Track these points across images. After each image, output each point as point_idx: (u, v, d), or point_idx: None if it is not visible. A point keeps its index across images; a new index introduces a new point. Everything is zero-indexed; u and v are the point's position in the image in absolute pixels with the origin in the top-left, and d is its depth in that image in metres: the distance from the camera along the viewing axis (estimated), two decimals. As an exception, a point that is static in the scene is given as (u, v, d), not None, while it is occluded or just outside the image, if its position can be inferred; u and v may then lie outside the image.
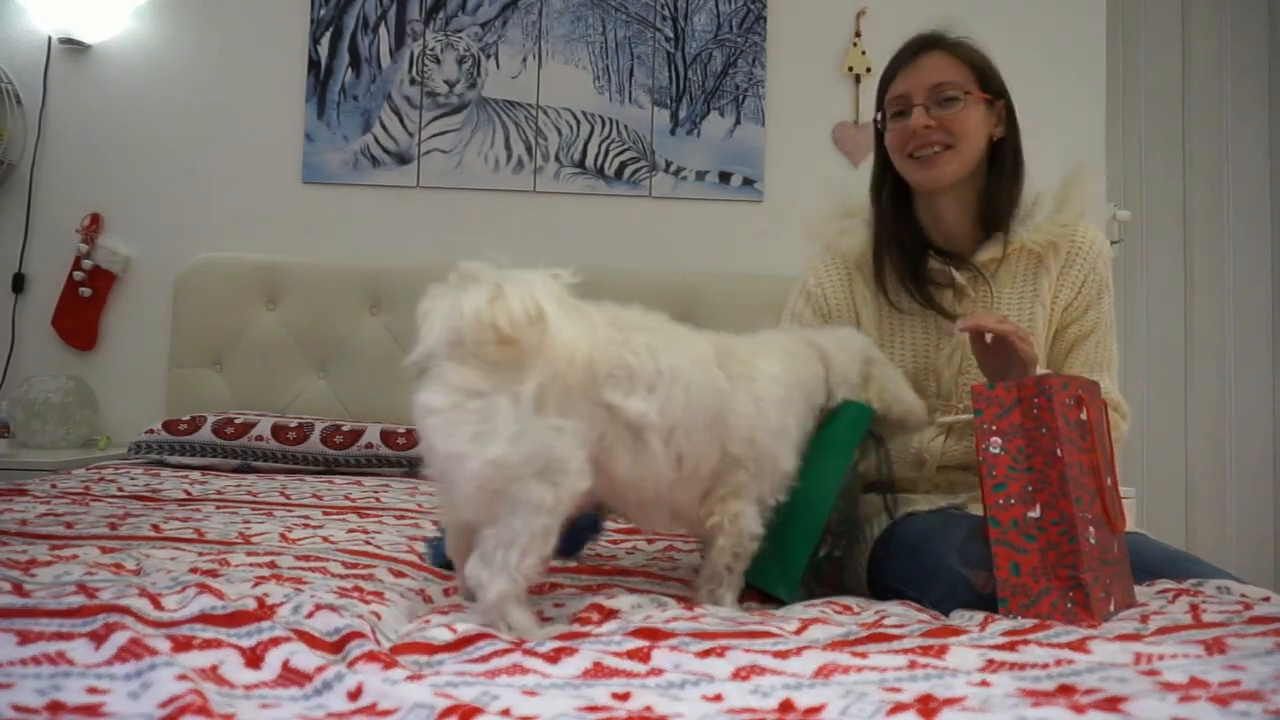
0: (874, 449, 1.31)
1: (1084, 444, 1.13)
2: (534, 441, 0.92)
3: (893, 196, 1.49)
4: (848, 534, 1.31)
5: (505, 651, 0.83)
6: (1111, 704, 0.66)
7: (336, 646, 0.83)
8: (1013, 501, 1.10)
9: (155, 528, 1.50)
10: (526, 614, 0.93)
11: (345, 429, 2.35)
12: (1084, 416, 1.15)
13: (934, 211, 1.47)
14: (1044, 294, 1.45)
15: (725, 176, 2.90)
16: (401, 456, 2.32)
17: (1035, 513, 1.09)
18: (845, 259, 1.52)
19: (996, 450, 1.12)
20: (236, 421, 2.36)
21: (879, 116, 1.47)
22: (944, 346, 1.44)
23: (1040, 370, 1.34)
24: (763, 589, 1.18)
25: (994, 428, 1.13)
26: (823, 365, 1.25)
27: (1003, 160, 1.44)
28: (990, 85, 1.42)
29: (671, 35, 2.91)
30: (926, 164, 1.40)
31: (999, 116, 1.43)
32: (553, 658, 0.81)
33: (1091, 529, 1.08)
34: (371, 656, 0.78)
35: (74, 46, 2.84)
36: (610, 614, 1.00)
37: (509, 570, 0.92)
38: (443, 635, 0.89)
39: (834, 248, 1.54)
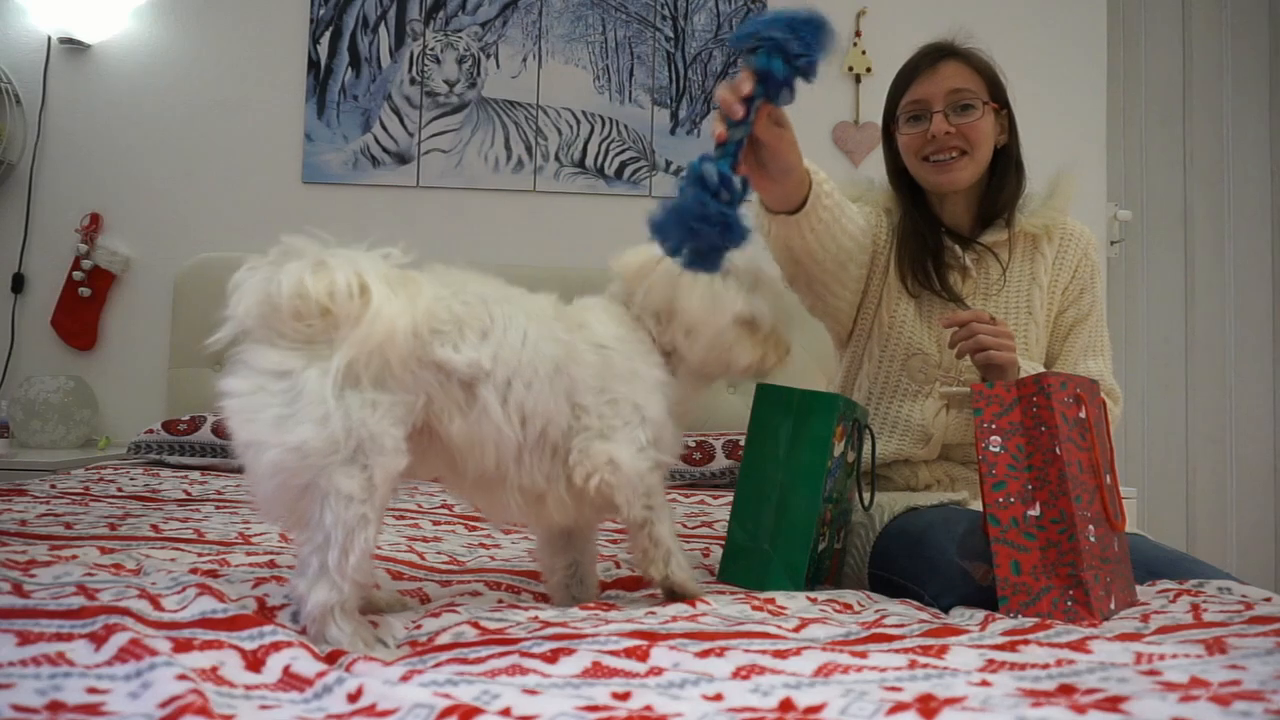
0: (860, 440, 1.33)
1: (1083, 442, 1.13)
2: (343, 421, 0.85)
3: (909, 190, 1.53)
4: (845, 524, 1.33)
5: (504, 653, 0.83)
6: (1112, 704, 0.66)
7: (331, 655, 0.82)
8: (1013, 500, 1.10)
9: (155, 528, 1.50)
10: (352, 625, 0.85)
11: (345, 429, 2.35)
12: (1083, 415, 1.15)
13: (941, 207, 1.52)
14: (1041, 277, 1.51)
15: (725, 176, 2.90)
16: (401, 456, 2.31)
17: (1035, 511, 1.09)
18: (885, 211, 1.54)
19: (996, 449, 1.12)
20: (236, 421, 2.36)
21: (891, 119, 1.51)
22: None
23: (1030, 366, 1.37)
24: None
25: (994, 426, 1.13)
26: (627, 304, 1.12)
27: (1005, 165, 1.51)
28: (999, 95, 1.48)
29: (671, 35, 2.91)
30: (943, 168, 1.44)
31: (1003, 125, 1.50)
32: (551, 657, 0.81)
33: (1091, 527, 1.08)
34: (369, 657, 0.78)
35: (74, 46, 2.84)
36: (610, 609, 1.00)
37: (329, 575, 0.84)
38: (440, 639, 0.89)
39: (877, 200, 1.55)
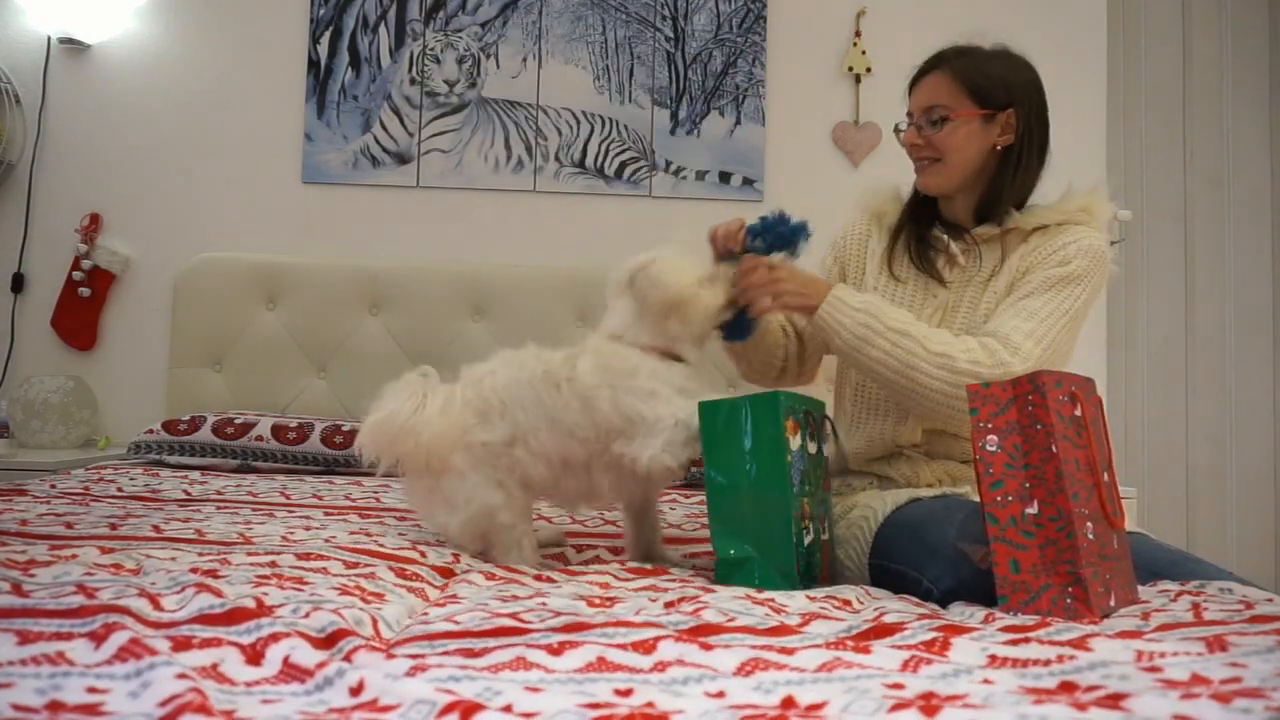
0: (819, 430, 1.35)
1: (1079, 440, 1.13)
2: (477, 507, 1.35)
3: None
4: (826, 514, 1.33)
5: (509, 646, 0.83)
6: (1113, 701, 0.66)
7: (329, 641, 0.83)
8: (1010, 499, 1.10)
9: (155, 528, 1.49)
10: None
11: (345, 429, 2.35)
12: (1078, 413, 1.15)
13: (946, 205, 1.60)
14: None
15: (725, 176, 2.90)
16: (401, 456, 2.31)
17: (1033, 509, 1.09)
18: (870, 211, 1.66)
19: (993, 448, 1.13)
20: (236, 421, 2.36)
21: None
22: (928, 305, 1.53)
23: (848, 293, 1.43)
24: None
25: (989, 425, 1.14)
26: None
27: (1005, 164, 1.53)
28: (991, 100, 1.51)
29: (671, 35, 2.91)
30: (920, 173, 1.57)
31: (1004, 126, 1.52)
32: (557, 650, 0.81)
33: (1089, 524, 1.08)
34: (371, 649, 0.78)
35: (74, 46, 2.84)
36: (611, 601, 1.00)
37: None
38: (444, 627, 0.89)
39: (866, 204, 1.67)
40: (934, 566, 1.22)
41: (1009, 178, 1.52)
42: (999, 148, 1.52)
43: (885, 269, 1.58)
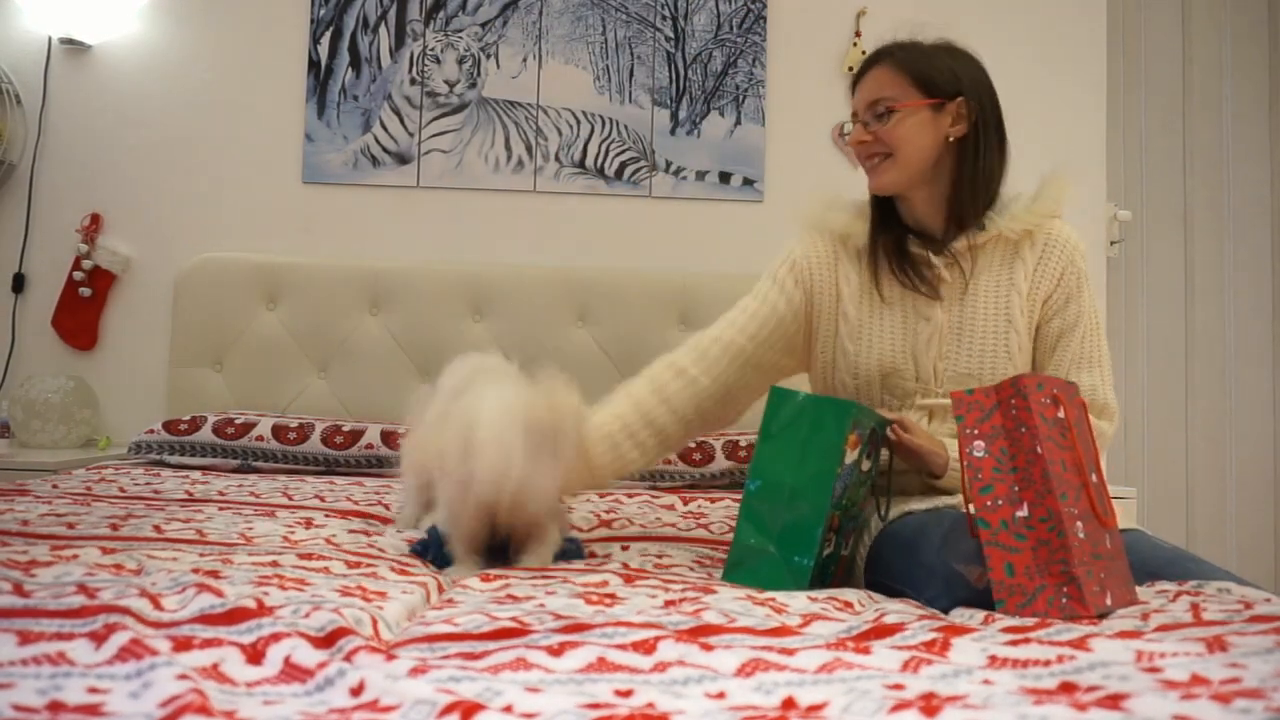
0: (876, 449, 1.32)
1: (1064, 441, 1.14)
2: None
3: (879, 197, 1.54)
4: (854, 531, 1.33)
5: (509, 647, 0.83)
6: (1113, 701, 0.66)
7: (329, 640, 0.83)
8: (1000, 502, 1.11)
9: (157, 528, 1.49)
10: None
11: (346, 429, 2.35)
12: (1061, 415, 1.16)
13: (908, 209, 1.53)
14: (1020, 283, 1.48)
15: (725, 176, 2.90)
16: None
17: (1023, 511, 1.10)
18: (833, 235, 1.56)
19: (980, 453, 1.14)
20: (237, 421, 2.36)
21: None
22: (922, 331, 1.47)
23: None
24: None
25: (976, 431, 1.15)
26: None
27: (960, 157, 1.48)
28: (938, 89, 1.45)
29: (671, 35, 2.91)
30: (871, 173, 1.50)
31: (956, 116, 1.46)
32: (557, 650, 0.81)
33: (1079, 524, 1.09)
34: (371, 650, 0.79)
35: (74, 47, 2.84)
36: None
37: None
38: (443, 629, 0.89)
39: (822, 225, 1.58)
40: (930, 587, 1.20)
41: (968, 170, 1.46)
42: (951, 139, 1.46)
43: (870, 294, 1.50)
